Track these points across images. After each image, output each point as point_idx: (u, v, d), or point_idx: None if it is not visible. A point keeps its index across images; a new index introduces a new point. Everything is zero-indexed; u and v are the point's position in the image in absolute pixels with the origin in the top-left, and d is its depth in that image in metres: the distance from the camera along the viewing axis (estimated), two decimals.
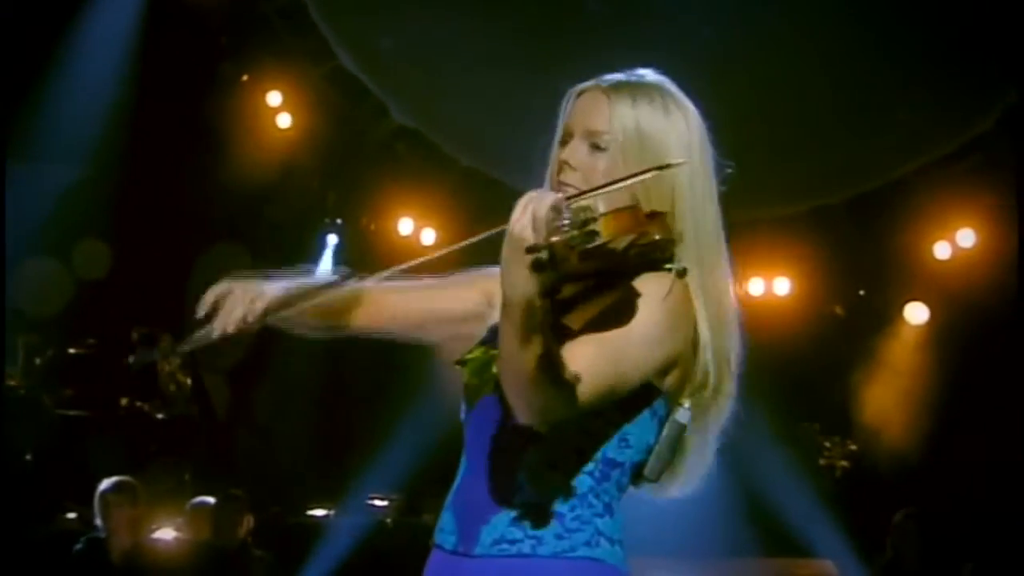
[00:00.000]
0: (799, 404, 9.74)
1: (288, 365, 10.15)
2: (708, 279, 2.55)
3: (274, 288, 2.74)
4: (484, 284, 2.83)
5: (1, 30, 7.95)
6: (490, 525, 2.50)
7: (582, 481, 2.49)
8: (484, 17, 9.32)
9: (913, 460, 9.44)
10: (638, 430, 2.52)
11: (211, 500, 7.94)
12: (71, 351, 9.76)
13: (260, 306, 2.67)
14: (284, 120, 9.92)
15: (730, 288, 2.60)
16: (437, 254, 2.68)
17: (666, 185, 2.54)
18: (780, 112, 9.39)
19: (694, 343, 2.53)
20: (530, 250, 2.22)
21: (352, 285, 2.77)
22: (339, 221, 10.63)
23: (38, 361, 9.51)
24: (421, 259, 2.69)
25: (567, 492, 2.48)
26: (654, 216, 2.45)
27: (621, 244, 2.35)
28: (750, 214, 10.01)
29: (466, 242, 2.58)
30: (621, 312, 2.45)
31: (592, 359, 2.38)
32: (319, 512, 9.72)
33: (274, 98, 9.87)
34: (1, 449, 8.25)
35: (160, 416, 9.76)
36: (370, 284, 2.79)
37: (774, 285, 10.29)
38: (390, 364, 9.90)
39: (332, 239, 10.61)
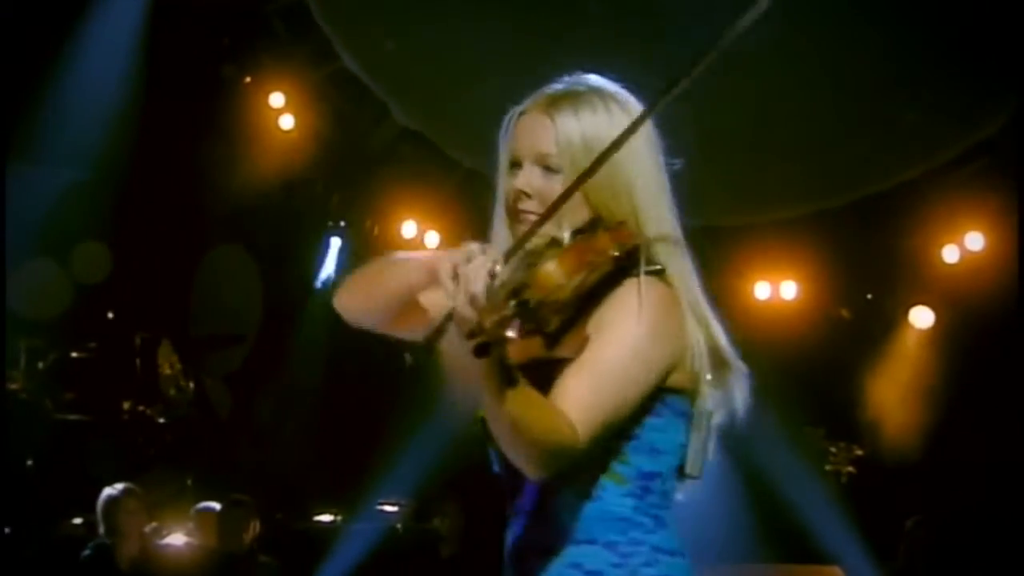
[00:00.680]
0: (805, 408, 9.68)
1: (292, 368, 10.11)
2: (680, 275, 2.52)
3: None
4: None
5: (2, 31, 7.92)
6: (546, 571, 2.46)
7: (624, 504, 2.46)
8: (487, 19, 9.28)
9: (922, 465, 9.39)
10: (664, 435, 2.49)
11: (216, 505, 7.90)
12: (73, 355, 9.71)
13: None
14: (287, 122, 9.87)
15: (697, 280, 2.55)
16: None
17: (622, 189, 2.50)
18: (784, 114, 9.33)
19: (688, 340, 2.49)
20: (470, 335, 2.15)
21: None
22: (342, 223, 10.59)
23: (40, 365, 9.45)
24: None
25: (612, 518, 2.45)
26: (611, 230, 2.42)
27: (576, 276, 2.31)
28: (756, 217, 9.98)
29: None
30: (602, 335, 2.40)
31: (583, 393, 2.34)
32: (326, 518, 9.67)
33: (277, 100, 9.81)
34: (2, 453, 8.21)
35: (162, 420, 9.72)
36: None
37: (780, 289, 10.22)
38: (398, 367, 9.85)
39: (336, 242, 10.57)
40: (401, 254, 2.70)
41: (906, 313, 10.33)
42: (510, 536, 2.56)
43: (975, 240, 9.91)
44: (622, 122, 2.49)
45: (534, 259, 2.33)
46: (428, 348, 2.23)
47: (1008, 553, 8.35)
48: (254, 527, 7.70)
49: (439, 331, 2.19)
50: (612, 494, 2.45)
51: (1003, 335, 9.21)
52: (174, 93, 9.28)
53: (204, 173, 9.56)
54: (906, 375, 10.27)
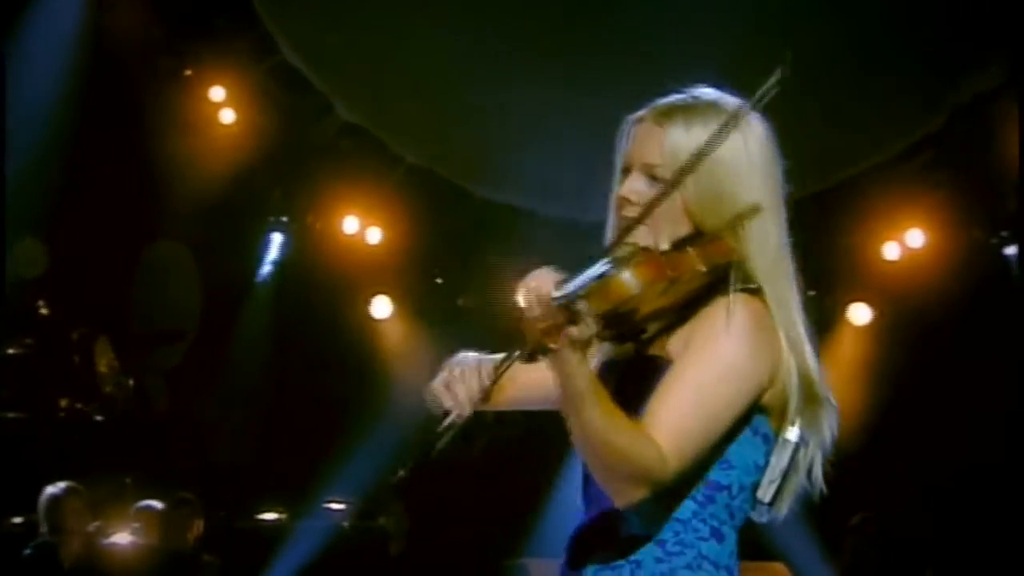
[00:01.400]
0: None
1: (234, 364, 10.02)
2: (778, 295, 2.48)
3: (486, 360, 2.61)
4: None
5: None
6: (594, 553, 2.49)
7: (685, 506, 2.45)
8: (430, 12, 9.22)
9: (864, 461, 9.43)
10: (740, 449, 2.47)
11: (157, 504, 7.82)
12: (9, 351, 9.57)
13: (488, 373, 2.54)
14: (227, 116, 9.76)
15: (799, 304, 2.52)
16: None
17: (726, 203, 2.48)
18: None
19: (781, 359, 2.46)
20: (542, 347, 2.26)
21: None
22: (284, 219, 10.51)
23: None
24: None
25: (669, 518, 2.45)
26: (704, 246, 2.42)
27: (646, 296, 2.33)
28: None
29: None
30: (695, 356, 2.40)
31: (674, 420, 2.34)
32: (270, 516, 9.60)
33: (217, 93, 9.71)
34: None
35: (99, 418, 9.60)
36: None
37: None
38: (344, 366, 9.80)
39: (277, 237, 10.50)
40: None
41: (844, 310, 10.38)
42: (579, 524, 2.58)
43: (916, 237, 9.97)
44: (735, 140, 2.47)
45: (617, 267, 2.32)
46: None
47: (952, 547, 8.41)
48: (198, 526, 7.64)
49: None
50: (676, 495, 2.44)
51: (942, 331, 9.28)
52: (113, 86, 9.16)
53: (143, 167, 9.44)
54: (844, 372, 10.31)
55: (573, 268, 2.31)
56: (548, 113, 9.24)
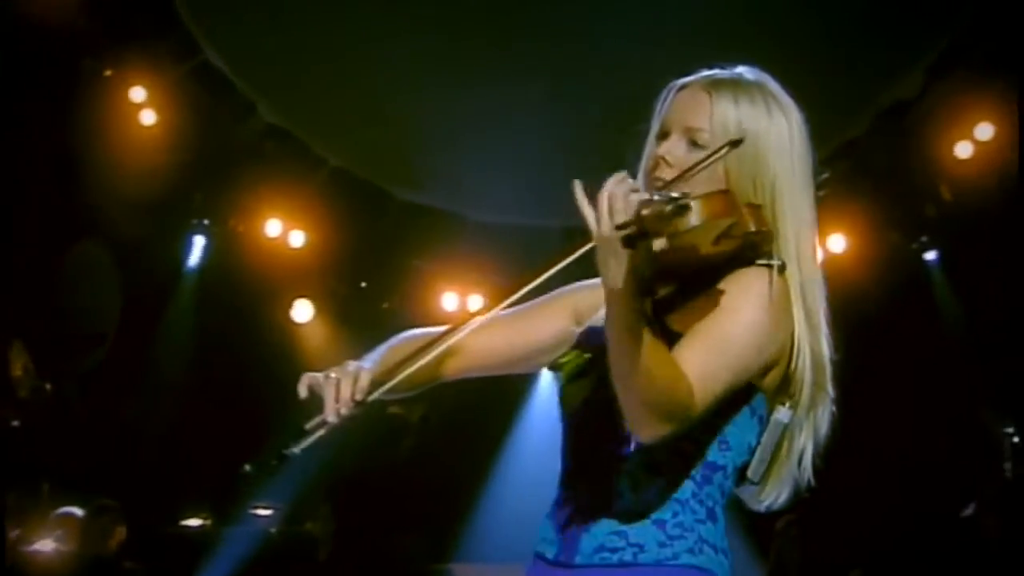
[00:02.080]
0: None
1: (158, 369, 9.90)
2: (804, 278, 2.52)
3: (369, 364, 2.60)
4: (570, 302, 2.74)
5: None
6: (591, 534, 2.44)
7: (685, 487, 2.45)
8: (353, 14, 9.18)
9: None
10: (738, 431, 2.48)
11: (77, 511, 7.71)
12: None
13: (366, 381, 2.53)
14: (148, 117, 9.63)
15: (823, 290, 2.57)
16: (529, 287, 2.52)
17: (766, 180, 2.51)
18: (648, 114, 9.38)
19: (793, 342, 2.48)
20: (620, 227, 2.17)
21: (442, 344, 2.61)
22: (206, 222, 10.40)
23: None
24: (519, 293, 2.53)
25: (669, 498, 2.44)
26: (751, 208, 2.42)
27: (713, 230, 2.32)
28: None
29: (563, 263, 2.43)
30: (723, 310, 2.41)
31: (703, 361, 2.34)
32: (195, 522, 9.49)
33: (138, 94, 9.57)
34: None
35: (15, 424, 9.44)
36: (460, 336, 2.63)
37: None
38: (267, 370, 9.71)
39: (199, 240, 10.38)
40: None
41: None
42: (561, 486, 2.54)
43: (837, 242, 10.06)
44: (778, 122, 2.56)
45: (687, 197, 2.28)
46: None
47: (879, 547, 8.48)
48: (120, 532, 7.55)
49: None
50: (675, 473, 2.44)
51: (863, 334, 9.35)
52: (32, 87, 9.01)
53: (63, 169, 9.30)
54: None
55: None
56: (472, 116, 9.24)
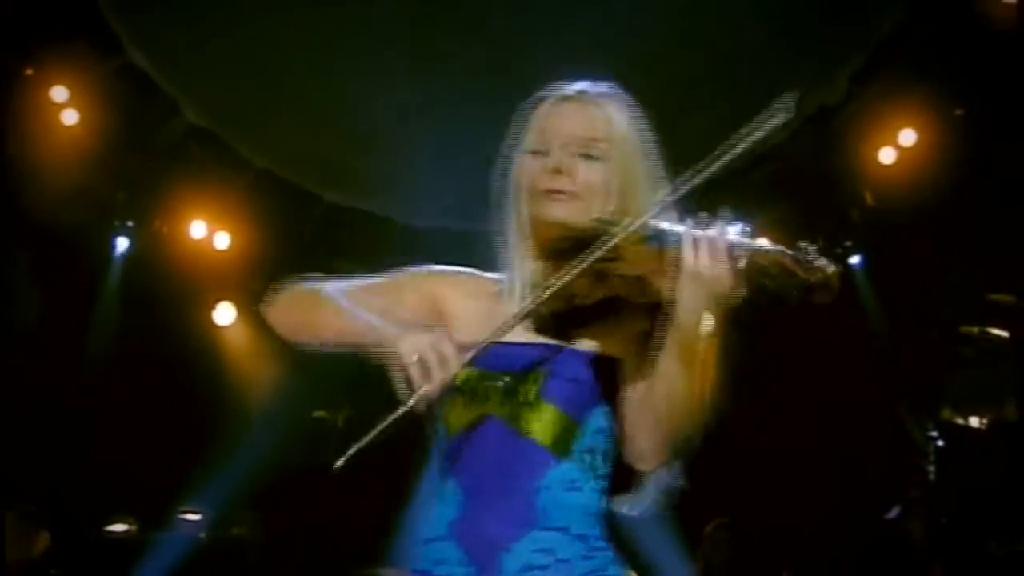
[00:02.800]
0: None
1: (80, 372, 9.77)
2: None
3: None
4: (428, 292, 2.74)
5: None
6: (513, 553, 2.42)
7: (598, 501, 2.48)
8: (279, 14, 9.11)
9: (715, 469, 9.53)
10: None
11: None
12: None
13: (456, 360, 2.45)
14: (70, 117, 9.49)
15: None
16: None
17: (651, 193, 2.56)
18: None
19: None
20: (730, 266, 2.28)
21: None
22: (129, 224, 10.28)
23: None
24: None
25: (587, 513, 2.46)
26: None
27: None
28: None
29: (576, 270, 2.42)
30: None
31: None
32: (120, 527, 9.36)
33: (59, 94, 9.43)
34: None
35: None
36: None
37: None
38: (192, 374, 9.62)
39: (122, 242, 10.26)
40: (335, 290, 2.77)
41: None
42: (463, 507, 2.49)
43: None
44: (646, 131, 2.62)
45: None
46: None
47: (807, 553, 8.53)
48: (44, 538, 7.45)
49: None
50: (591, 488, 2.46)
51: (790, 338, 9.41)
52: None
53: None
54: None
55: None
56: (401, 117, 9.19)
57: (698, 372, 2.32)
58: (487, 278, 2.71)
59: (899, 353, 9.26)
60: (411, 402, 2.35)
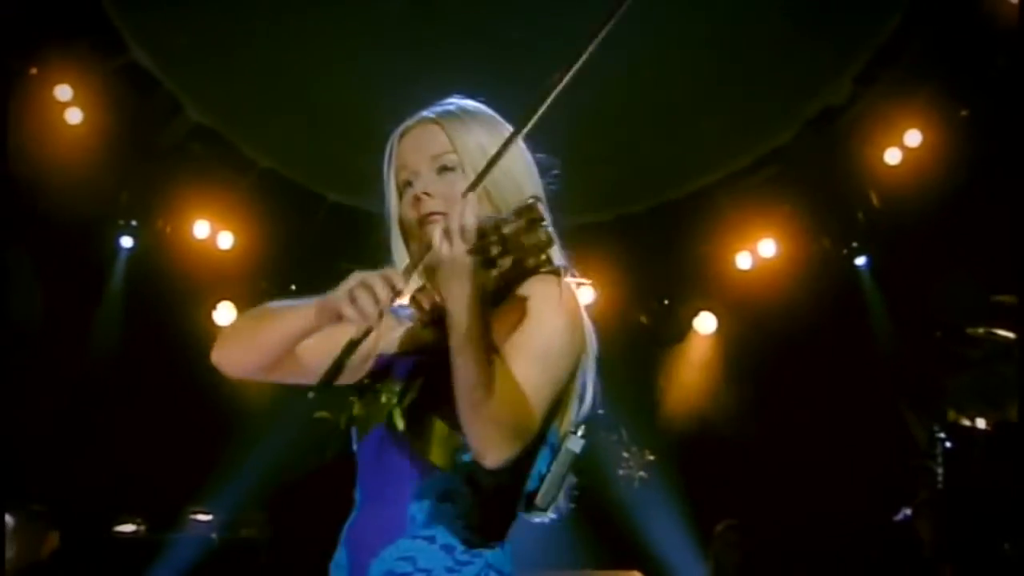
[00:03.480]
0: (604, 414, 9.73)
1: (86, 372, 9.73)
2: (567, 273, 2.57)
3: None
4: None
5: None
6: (380, 559, 2.43)
7: (475, 513, 2.43)
8: (282, 13, 9.10)
9: (717, 469, 9.54)
10: (530, 459, 2.47)
11: (7, 517, 7.56)
12: None
13: (398, 278, 2.48)
14: (74, 116, 9.47)
15: None
16: None
17: (518, 193, 2.55)
18: (585, 118, 9.38)
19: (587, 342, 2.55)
20: (475, 248, 2.22)
21: None
22: (133, 223, 10.25)
23: None
24: None
25: (459, 525, 2.42)
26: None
27: (525, 242, 2.32)
28: (557, 221, 10.00)
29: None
30: (531, 322, 2.42)
31: (526, 375, 2.33)
32: (129, 528, 9.33)
33: (63, 93, 9.41)
34: None
35: None
36: None
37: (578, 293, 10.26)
38: (196, 375, 9.55)
39: (126, 242, 10.23)
40: (274, 304, 2.69)
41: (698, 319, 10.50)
42: (355, 512, 2.57)
43: (768, 247, 10.12)
44: (503, 133, 2.58)
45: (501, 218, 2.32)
46: (327, 383, 2.35)
47: (817, 553, 8.52)
48: (53, 539, 7.43)
49: (338, 366, 2.32)
50: (464, 499, 2.44)
51: (796, 340, 9.41)
52: None
53: None
54: (699, 380, 10.42)
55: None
56: (403, 117, 9.16)
57: (473, 359, 2.22)
58: None
59: (904, 354, 9.26)
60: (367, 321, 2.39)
